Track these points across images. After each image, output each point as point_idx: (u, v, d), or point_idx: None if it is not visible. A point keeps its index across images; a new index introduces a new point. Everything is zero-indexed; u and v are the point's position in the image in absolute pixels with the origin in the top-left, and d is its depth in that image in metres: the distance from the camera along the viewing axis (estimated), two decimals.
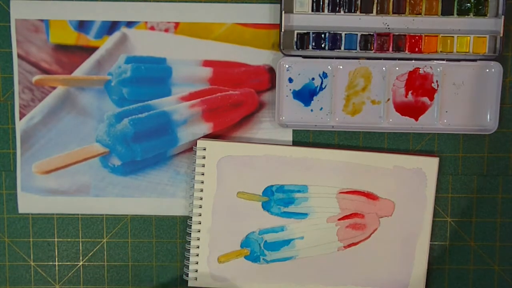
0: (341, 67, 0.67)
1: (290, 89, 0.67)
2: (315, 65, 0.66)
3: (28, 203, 0.69)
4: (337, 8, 0.66)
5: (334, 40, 0.66)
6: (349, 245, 0.68)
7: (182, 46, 0.68)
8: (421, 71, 0.67)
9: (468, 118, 0.67)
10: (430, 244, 0.68)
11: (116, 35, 0.68)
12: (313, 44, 0.66)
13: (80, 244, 0.70)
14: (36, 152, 0.68)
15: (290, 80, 0.67)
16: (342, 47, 0.66)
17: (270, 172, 0.67)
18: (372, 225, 0.67)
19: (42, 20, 0.67)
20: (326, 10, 0.66)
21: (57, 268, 0.70)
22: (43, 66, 0.68)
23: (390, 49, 0.66)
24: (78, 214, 0.69)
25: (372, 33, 0.66)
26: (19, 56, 0.68)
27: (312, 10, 0.66)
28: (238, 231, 0.68)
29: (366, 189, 0.67)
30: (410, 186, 0.67)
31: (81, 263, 0.70)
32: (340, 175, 0.67)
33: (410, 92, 0.67)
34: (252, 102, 0.68)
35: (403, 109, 0.67)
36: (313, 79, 0.67)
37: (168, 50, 0.68)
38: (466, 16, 0.66)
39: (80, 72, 0.68)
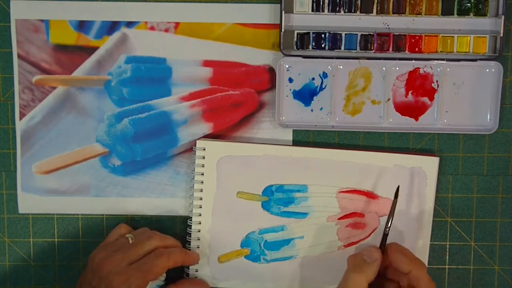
0: (341, 67, 0.67)
1: (290, 89, 0.67)
2: (315, 65, 0.67)
3: (28, 203, 0.69)
4: (337, 8, 0.66)
5: (334, 40, 0.66)
6: (349, 244, 0.68)
7: (182, 46, 0.68)
8: (421, 71, 0.67)
9: (468, 118, 0.67)
10: (430, 244, 0.68)
11: (116, 35, 0.68)
12: (313, 44, 0.66)
13: (80, 244, 0.70)
14: (36, 152, 0.68)
15: (290, 80, 0.67)
16: (342, 47, 0.66)
17: (270, 172, 0.67)
18: (372, 224, 0.67)
19: (42, 20, 0.67)
20: (326, 10, 0.66)
21: (57, 268, 0.70)
22: (43, 66, 0.68)
23: (390, 49, 0.66)
24: (78, 214, 0.69)
25: (372, 33, 0.66)
26: (19, 56, 0.68)
27: (312, 10, 0.66)
28: (238, 231, 0.68)
29: (366, 188, 0.67)
30: (410, 185, 0.67)
31: (81, 263, 0.70)
32: (340, 174, 0.67)
33: (410, 92, 0.67)
34: (252, 102, 0.68)
35: (403, 109, 0.67)
36: (313, 79, 0.67)
37: (168, 50, 0.68)
38: (466, 16, 0.66)
39: (80, 72, 0.68)
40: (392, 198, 0.66)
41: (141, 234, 0.64)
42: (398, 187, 0.64)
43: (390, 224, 0.63)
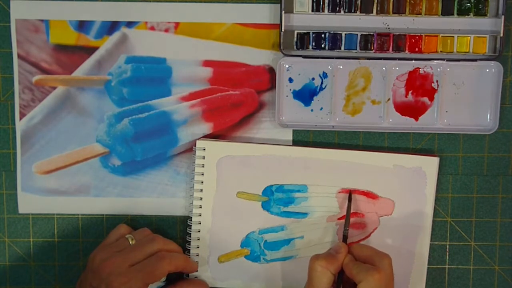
0: (341, 67, 0.67)
1: (290, 89, 0.67)
2: (315, 65, 0.67)
3: (28, 203, 0.69)
4: (337, 8, 0.66)
5: (334, 40, 0.66)
6: (349, 244, 0.67)
7: (182, 46, 0.68)
8: (421, 71, 0.67)
9: (468, 118, 0.67)
10: (430, 244, 0.68)
11: (116, 35, 0.68)
12: (313, 44, 0.66)
13: (80, 244, 0.70)
14: (36, 152, 0.68)
15: (290, 80, 0.67)
16: (342, 47, 0.66)
17: (269, 172, 0.67)
18: (372, 224, 0.67)
19: (42, 20, 0.67)
20: (326, 10, 0.66)
21: (57, 268, 0.70)
22: (43, 66, 0.68)
23: (390, 49, 0.66)
24: (78, 214, 0.69)
25: (372, 33, 0.66)
26: (19, 56, 0.68)
27: (312, 10, 0.66)
28: (238, 231, 0.68)
29: (366, 188, 0.67)
30: (410, 185, 0.67)
31: (81, 263, 0.70)
32: (340, 174, 0.67)
33: (410, 92, 0.67)
34: (252, 102, 0.68)
35: (403, 109, 0.67)
36: (313, 79, 0.67)
37: (168, 50, 0.68)
38: (466, 16, 0.66)
39: (80, 72, 0.68)
40: (392, 199, 0.67)
41: (143, 236, 0.64)
42: (350, 192, 0.66)
43: (348, 227, 0.65)
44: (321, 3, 0.65)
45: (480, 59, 0.66)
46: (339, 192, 0.67)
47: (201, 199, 0.67)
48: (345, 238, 0.64)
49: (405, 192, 0.67)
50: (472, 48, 0.66)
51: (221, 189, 0.67)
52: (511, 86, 0.68)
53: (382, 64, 0.66)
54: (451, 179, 0.69)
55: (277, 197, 0.67)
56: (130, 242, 0.63)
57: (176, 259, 0.63)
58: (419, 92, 0.67)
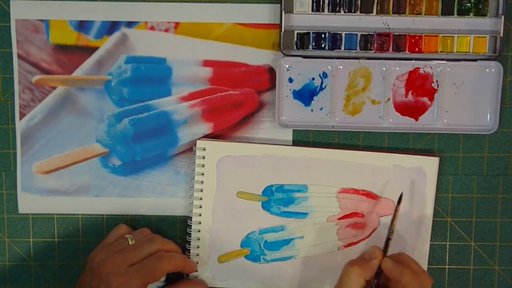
0: (341, 67, 0.67)
1: (290, 89, 0.67)
2: (315, 65, 0.67)
3: (28, 203, 0.69)
4: (337, 8, 0.66)
5: (334, 40, 0.66)
6: (349, 245, 0.68)
7: (182, 46, 0.68)
8: (421, 71, 0.67)
9: (468, 118, 0.67)
10: (430, 244, 0.68)
11: (116, 35, 0.68)
12: (313, 44, 0.66)
13: (80, 244, 0.70)
14: (36, 152, 0.68)
15: (290, 80, 0.67)
16: (342, 47, 0.66)
17: (269, 172, 0.67)
18: (372, 225, 0.67)
19: (42, 20, 0.67)
20: (326, 10, 0.66)
21: (57, 268, 0.70)
22: (43, 66, 0.68)
23: (390, 49, 0.66)
24: (78, 214, 0.69)
25: (372, 33, 0.66)
26: (19, 56, 0.68)
27: (312, 10, 0.66)
28: (238, 231, 0.68)
29: (366, 188, 0.67)
30: (410, 185, 0.67)
31: (81, 263, 0.70)
32: (340, 174, 0.67)
33: (410, 92, 0.67)
34: (252, 102, 0.68)
35: (403, 109, 0.67)
36: (313, 79, 0.67)
37: (168, 50, 0.68)
38: (466, 16, 0.66)
39: (80, 72, 0.68)
40: (392, 199, 0.67)
41: (142, 236, 0.64)
42: (402, 194, 0.64)
43: (392, 230, 0.63)
44: (321, 3, 0.65)
45: (480, 59, 0.66)
46: (339, 192, 0.67)
47: (201, 199, 0.67)
48: (388, 241, 0.62)
49: (405, 192, 0.67)
50: (472, 48, 0.66)
51: (221, 189, 0.67)
52: (511, 86, 0.68)
53: (382, 64, 0.66)
54: (451, 179, 0.69)
55: (277, 197, 0.67)
56: (130, 242, 0.63)
57: (175, 259, 0.63)
58: (419, 92, 0.67)
